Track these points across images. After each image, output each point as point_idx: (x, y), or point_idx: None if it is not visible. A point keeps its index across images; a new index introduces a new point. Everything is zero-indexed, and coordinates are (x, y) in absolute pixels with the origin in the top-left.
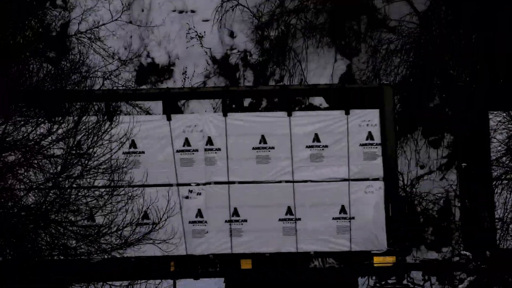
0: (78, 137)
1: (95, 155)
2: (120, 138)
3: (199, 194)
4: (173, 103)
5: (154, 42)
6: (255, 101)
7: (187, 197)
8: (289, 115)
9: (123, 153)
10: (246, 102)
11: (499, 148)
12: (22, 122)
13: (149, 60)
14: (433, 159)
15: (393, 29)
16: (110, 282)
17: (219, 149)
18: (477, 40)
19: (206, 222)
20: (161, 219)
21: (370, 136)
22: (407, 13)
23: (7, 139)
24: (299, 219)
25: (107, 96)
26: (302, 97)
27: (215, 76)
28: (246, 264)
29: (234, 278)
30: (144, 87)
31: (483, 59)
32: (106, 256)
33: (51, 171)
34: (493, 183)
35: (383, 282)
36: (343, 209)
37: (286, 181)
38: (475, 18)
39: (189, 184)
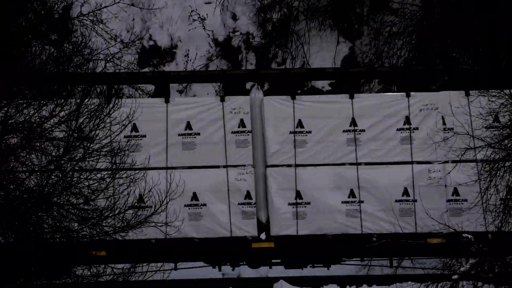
0: (81, 120)
1: (97, 137)
2: (123, 121)
3: None
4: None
5: (157, 24)
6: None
7: None
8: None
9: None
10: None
11: (502, 130)
12: (25, 105)
13: (151, 42)
14: None
15: (395, 11)
16: (112, 265)
17: None
18: (479, 23)
19: None
20: (162, 202)
21: None
22: None
23: (9, 121)
24: None
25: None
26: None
27: (217, 58)
28: None
29: None
30: (146, 69)
31: (485, 41)
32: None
33: (53, 153)
34: (495, 165)
35: None
36: None
37: None
38: (475, 5)
39: None
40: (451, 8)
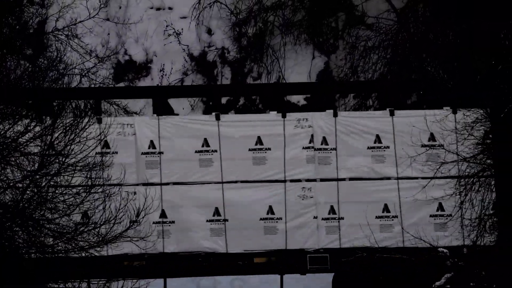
0: (56, 135)
1: (72, 152)
2: (97, 136)
3: None
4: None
5: (132, 39)
6: (232, 99)
7: None
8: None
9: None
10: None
11: (476, 145)
12: None
13: (126, 57)
14: None
15: (370, 26)
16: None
17: None
18: (458, 31)
19: None
20: (138, 216)
21: None
22: (385, 10)
23: None
24: None
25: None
26: None
27: (193, 73)
28: None
29: None
30: (121, 84)
31: (463, 52)
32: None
33: (29, 168)
34: (471, 180)
35: None
36: None
37: None
38: (455, 13)
39: None
40: (430, 16)
